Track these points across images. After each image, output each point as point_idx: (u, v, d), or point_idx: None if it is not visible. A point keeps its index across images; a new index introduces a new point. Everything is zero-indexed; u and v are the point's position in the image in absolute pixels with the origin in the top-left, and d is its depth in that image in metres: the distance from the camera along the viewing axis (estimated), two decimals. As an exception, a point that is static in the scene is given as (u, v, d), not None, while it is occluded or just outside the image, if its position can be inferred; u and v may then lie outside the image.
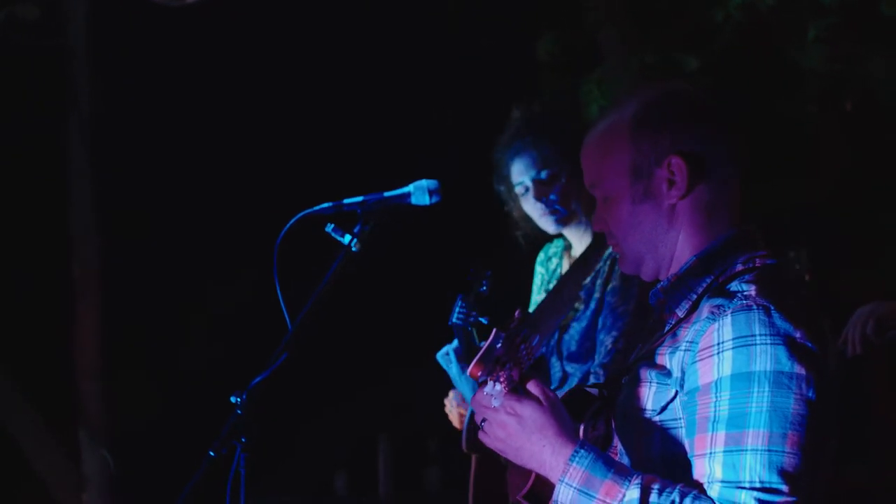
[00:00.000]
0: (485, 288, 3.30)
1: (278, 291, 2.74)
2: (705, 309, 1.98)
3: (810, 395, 1.89)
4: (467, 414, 3.32)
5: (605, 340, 3.20)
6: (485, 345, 1.91)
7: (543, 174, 3.39)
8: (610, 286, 3.23)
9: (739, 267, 2.02)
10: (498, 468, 3.26)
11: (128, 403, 6.63)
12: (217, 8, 5.77)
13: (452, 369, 3.19)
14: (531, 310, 3.45)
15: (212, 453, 2.54)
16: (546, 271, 3.57)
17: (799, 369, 1.88)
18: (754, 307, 1.92)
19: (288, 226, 2.75)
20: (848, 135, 7.14)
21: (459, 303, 3.27)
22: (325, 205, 2.81)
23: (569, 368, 3.38)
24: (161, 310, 7.00)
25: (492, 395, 1.93)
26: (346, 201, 2.83)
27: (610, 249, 3.11)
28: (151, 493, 5.54)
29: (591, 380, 3.23)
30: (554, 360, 3.38)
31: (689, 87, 2.17)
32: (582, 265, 3.33)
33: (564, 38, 6.38)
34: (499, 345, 1.91)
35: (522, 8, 6.51)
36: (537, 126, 3.45)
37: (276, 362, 2.64)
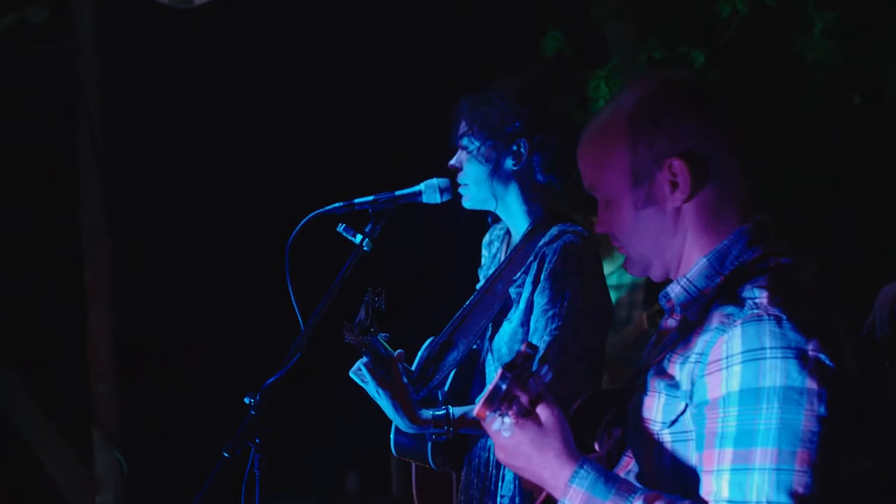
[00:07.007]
0: (382, 304, 2.87)
1: (290, 291, 2.75)
2: (715, 317, 1.89)
3: (822, 410, 1.80)
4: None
5: None
6: (490, 386, 1.90)
7: (471, 148, 2.99)
8: (539, 286, 2.91)
9: (752, 267, 1.92)
10: (437, 476, 3.14)
11: (140, 405, 6.64)
12: (224, 10, 5.76)
13: (369, 387, 2.96)
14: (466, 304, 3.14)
15: (226, 454, 2.55)
16: (488, 255, 3.26)
17: (810, 384, 1.80)
18: (765, 317, 1.83)
19: (300, 226, 2.76)
20: (854, 127, 7.12)
21: (355, 326, 2.87)
22: (337, 204, 2.82)
23: None
24: (173, 311, 7.01)
25: (501, 429, 1.93)
26: (357, 201, 2.84)
27: (542, 242, 2.94)
28: (165, 494, 5.55)
29: None
30: (490, 358, 3.05)
31: (685, 79, 2.04)
32: (514, 258, 3.03)
33: (571, 33, 6.37)
34: (504, 385, 1.90)
35: (526, 4, 6.50)
36: (499, 93, 2.97)
37: (290, 362, 2.64)
